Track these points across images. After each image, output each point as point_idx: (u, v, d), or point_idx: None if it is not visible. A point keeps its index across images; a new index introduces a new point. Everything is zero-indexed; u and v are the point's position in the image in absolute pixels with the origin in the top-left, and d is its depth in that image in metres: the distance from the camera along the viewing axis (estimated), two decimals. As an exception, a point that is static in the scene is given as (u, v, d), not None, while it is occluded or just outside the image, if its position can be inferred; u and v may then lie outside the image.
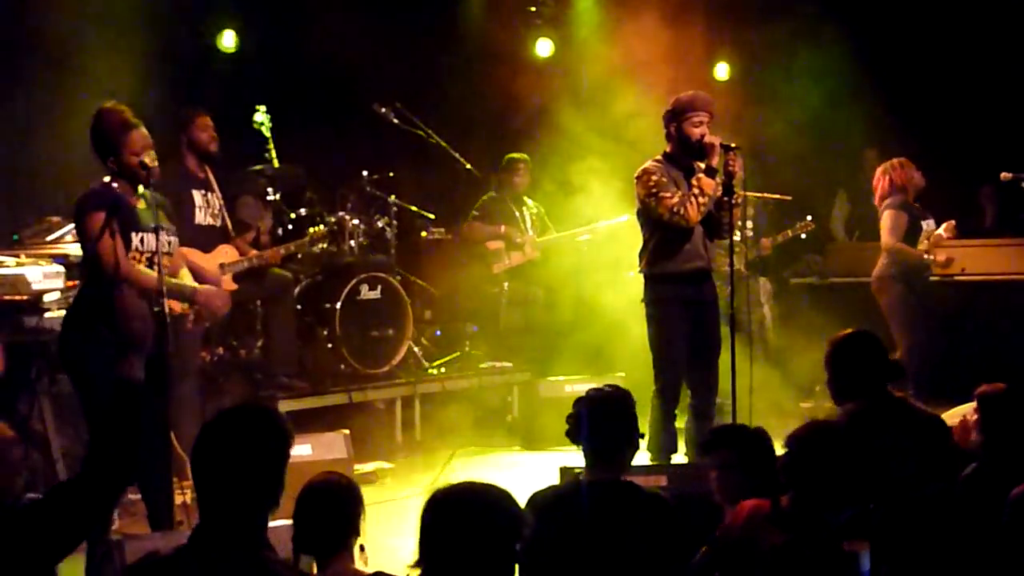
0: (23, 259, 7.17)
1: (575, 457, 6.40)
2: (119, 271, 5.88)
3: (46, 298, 6.92)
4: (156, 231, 5.93)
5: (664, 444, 7.44)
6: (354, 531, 4.40)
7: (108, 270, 5.89)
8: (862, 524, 4.26)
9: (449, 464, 8.69)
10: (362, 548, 4.42)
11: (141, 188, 6.04)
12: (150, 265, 5.98)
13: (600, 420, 4.74)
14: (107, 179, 6.07)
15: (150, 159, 6.01)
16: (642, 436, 4.84)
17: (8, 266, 6.98)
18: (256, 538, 3.56)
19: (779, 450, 4.62)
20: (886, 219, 9.42)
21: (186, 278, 6.39)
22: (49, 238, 7.93)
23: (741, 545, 4.26)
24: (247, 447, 3.53)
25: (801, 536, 4.03)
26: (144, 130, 6.06)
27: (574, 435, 4.81)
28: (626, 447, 4.74)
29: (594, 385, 9.17)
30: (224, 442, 3.55)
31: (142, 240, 6.00)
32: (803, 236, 10.48)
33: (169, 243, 6.14)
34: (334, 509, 4.39)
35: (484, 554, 3.43)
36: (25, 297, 6.92)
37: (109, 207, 5.90)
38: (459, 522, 3.44)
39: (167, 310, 5.80)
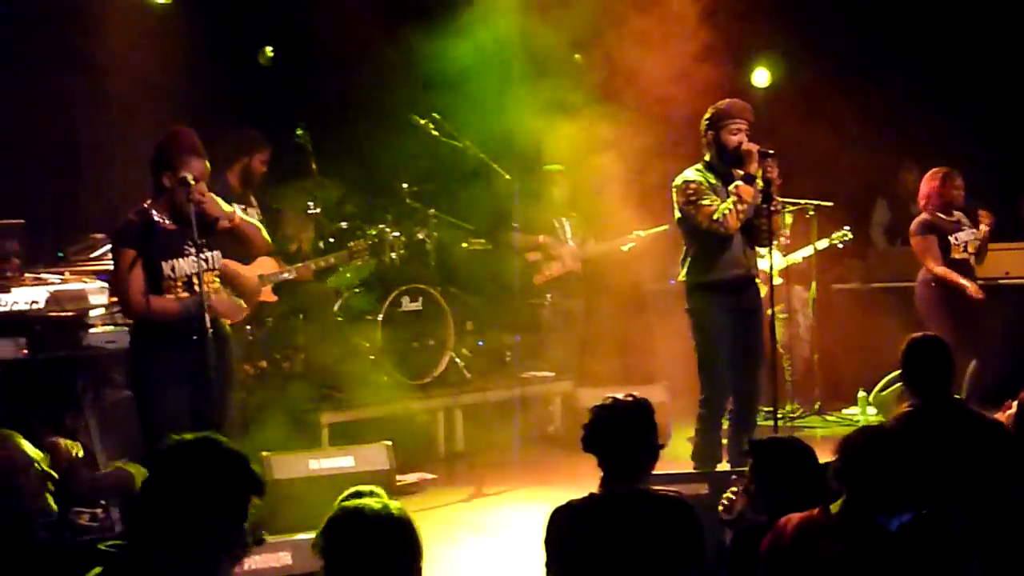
0: (68, 276, 7.24)
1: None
2: (137, 311, 6.19)
3: (91, 314, 6.98)
4: (185, 254, 6.05)
5: (708, 452, 7.44)
6: None
7: (127, 310, 6.33)
8: (919, 529, 4.21)
9: (491, 475, 8.69)
10: None
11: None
12: (188, 288, 6.09)
13: (610, 431, 4.73)
14: (147, 203, 6.18)
15: (198, 192, 6.10)
16: (662, 446, 4.82)
17: (53, 283, 7.05)
18: None
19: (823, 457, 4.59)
20: (916, 247, 9.41)
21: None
22: (93, 255, 8.01)
23: (794, 558, 4.21)
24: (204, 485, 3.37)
25: (858, 544, 3.99)
26: (207, 164, 6.18)
27: (587, 445, 4.79)
28: (638, 457, 4.73)
29: (635, 394, 9.21)
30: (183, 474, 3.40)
31: (173, 268, 6.12)
32: (840, 246, 10.43)
33: (210, 259, 6.21)
34: None
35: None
36: (71, 313, 6.98)
37: (139, 241, 6.12)
38: (357, 544, 3.42)
39: (208, 325, 5.90)
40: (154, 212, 6.19)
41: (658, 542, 4.51)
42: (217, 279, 6.37)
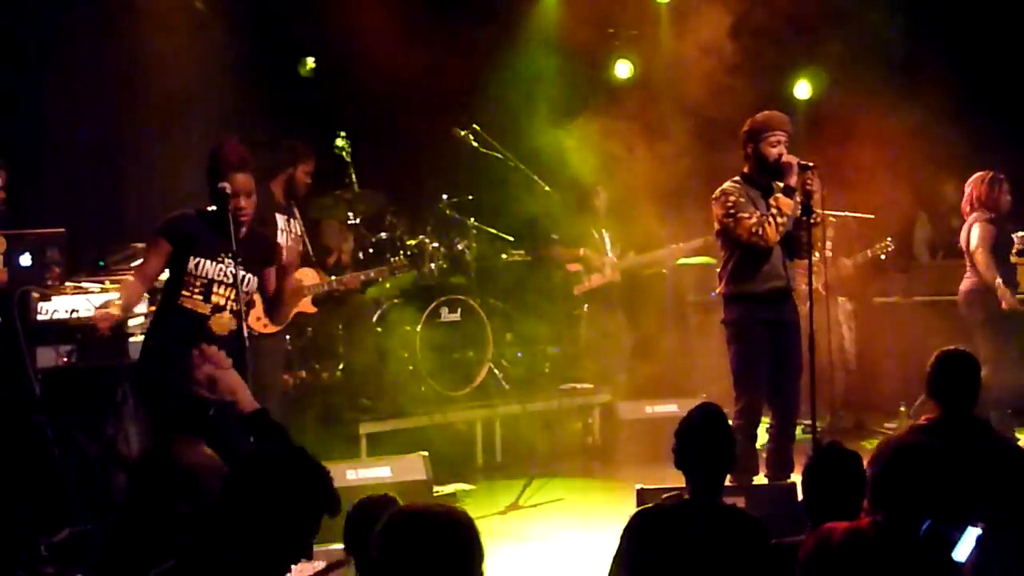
0: (108, 284, 7.28)
1: (653, 478, 6.42)
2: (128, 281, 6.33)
3: (130, 323, 7.01)
4: (233, 259, 6.06)
5: (744, 464, 7.38)
6: None
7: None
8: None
9: (528, 486, 8.65)
10: None
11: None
12: (205, 292, 6.09)
13: (712, 442, 4.70)
14: (211, 208, 6.24)
15: (239, 204, 6.14)
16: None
17: (93, 291, 7.09)
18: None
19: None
20: (976, 232, 9.26)
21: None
22: (133, 264, 8.05)
23: (842, 569, 4.19)
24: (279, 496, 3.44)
25: (904, 554, 3.97)
26: (249, 177, 6.21)
27: (683, 458, 4.74)
28: (726, 467, 4.74)
29: (675, 407, 9.19)
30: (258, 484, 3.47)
31: (197, 266, 6.12)
32: (883, 256, 10.35)
33: (235, 276, 6.19)
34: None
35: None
36: (111, 322, 7.01)
37: (177, 235, 6.15)
38: (413, 546, 3.37)
39: (246, 333, 5.91)
40: (207, 215, 6.25)
41: (736, 559, 4.51)
42: (232, 300, 6.31)
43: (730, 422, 7.40)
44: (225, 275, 6.15)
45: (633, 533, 4.63)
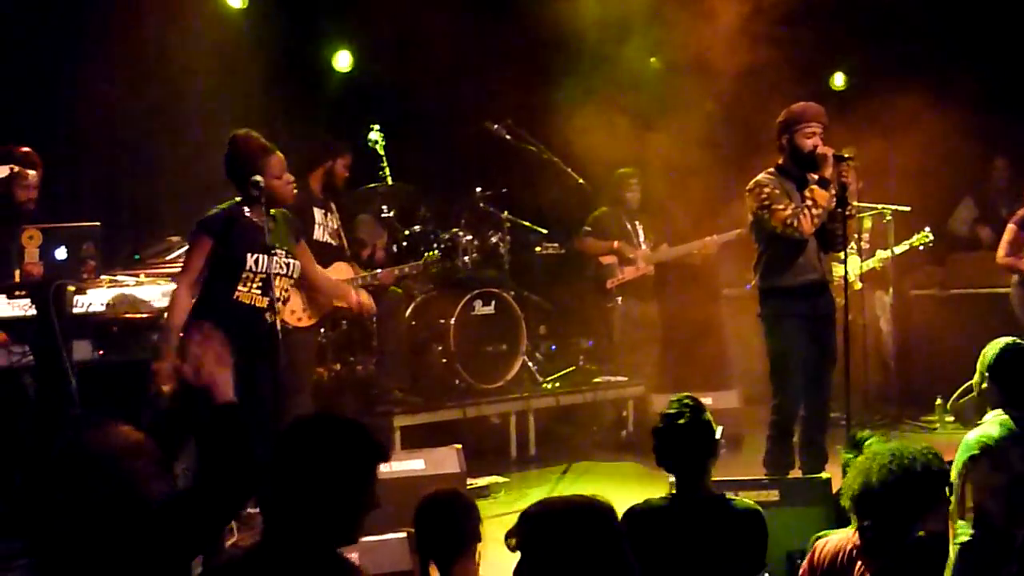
0: (143, 278, 7.31)
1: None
2: (172, 298, 6.23)
3: (166, 316, 7.03)
4: (273, 252, 6.09)
5: (780, 459, 7.36)
6: (475, 538, 4.45)
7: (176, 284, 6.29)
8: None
9: (562, 479, 8.64)
10: None
11: (273, 210, 6.24)
12: (264, 287, 6.10)
13: (681, 440, 4.71)
14: (238, 199, 6.24)
15: (287, 182, 6.17)
16: (719, 441, 4.83)
17: (128, 285, 7.12)
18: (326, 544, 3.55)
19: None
20: (1005, 233, 9.40)
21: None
22: (168, 257, 8.09)
23: None
24: (331, 456, 3.50)
25: (892, 561, 3.96)
26: (280, 155, 6.23)
27: (663, 454, 4.78)
28: (707, 460, 4.72)
29: (710, 400, 9.16)
30: (308, 448, 3.53)
31: (256, 261, 6.13)
32: (921, 248, 10.26)
33: (288, 265, 6.22)
34: (452, 519, 4.44)
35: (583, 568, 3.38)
36: (146, 315, 7.05)
37: (220, 231, 6.13)
38: (553, 535, 3.39)
39: (279, 325, 5.93)
40: (247, 209, 6.27)
41: (728, 549, 4.52)
42: (290, 288, 6.35)
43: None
44: (280, 267, 6.18)
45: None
